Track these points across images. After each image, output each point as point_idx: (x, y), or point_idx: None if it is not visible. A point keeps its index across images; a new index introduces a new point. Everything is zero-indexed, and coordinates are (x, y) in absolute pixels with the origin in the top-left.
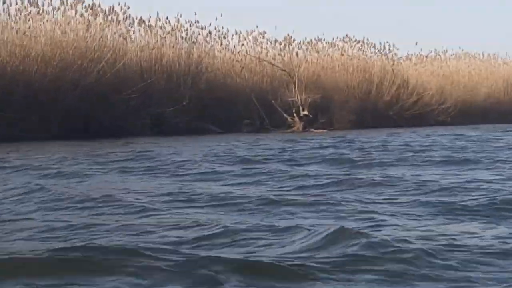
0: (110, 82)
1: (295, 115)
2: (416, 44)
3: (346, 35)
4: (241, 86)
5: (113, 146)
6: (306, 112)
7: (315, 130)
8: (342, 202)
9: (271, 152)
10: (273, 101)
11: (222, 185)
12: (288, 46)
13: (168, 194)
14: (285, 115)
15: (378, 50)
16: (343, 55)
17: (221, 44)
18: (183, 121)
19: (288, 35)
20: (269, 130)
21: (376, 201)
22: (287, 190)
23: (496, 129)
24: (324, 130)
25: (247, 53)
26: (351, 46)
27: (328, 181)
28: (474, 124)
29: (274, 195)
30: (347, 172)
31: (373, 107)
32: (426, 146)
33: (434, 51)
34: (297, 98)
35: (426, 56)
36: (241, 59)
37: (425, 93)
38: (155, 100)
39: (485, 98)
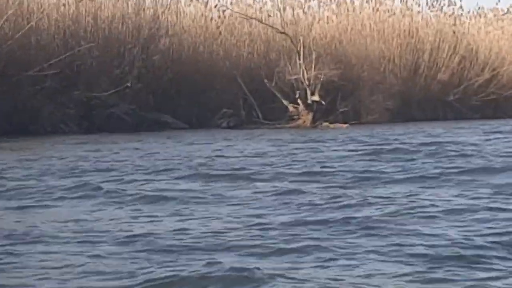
0: (12, 51)
1: (299, 101)
2: None
3: None
4: (218, 58)
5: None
6: (316, 97)
7: (331, 125)
8: None
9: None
10: (266, 80)
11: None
12: None
13: None
14: (285, 102)
15: (431, 3)
16: (377, 10)
17: None
18: (128, 111)
19: None
20: (261, 125)
21: None
22: None
23: None
24: (345, 125)
25: (228, 7)
26: None
27: None
28: None
29: None
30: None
31: (424, 90)
32: None
33: None
34: (303, 75)
35: (505, 13)
36: (220, 17)
37: (503, 68)
38: (83, 80)
39: None
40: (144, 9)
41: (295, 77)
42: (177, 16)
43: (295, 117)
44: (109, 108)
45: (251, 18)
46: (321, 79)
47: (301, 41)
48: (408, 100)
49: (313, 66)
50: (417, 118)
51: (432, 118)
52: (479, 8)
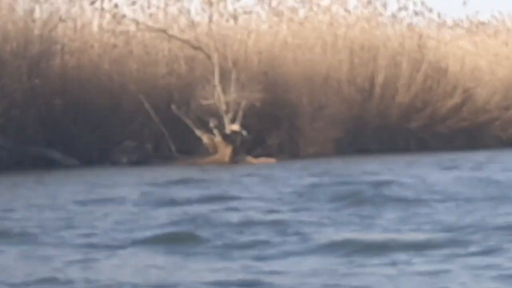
0: None
1: (215, 131)
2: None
3: None
4: (125, 80)
5: None
6: (236, 127)
7: (254, 160)
8: None
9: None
10: (172, 105)
11: None
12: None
13: None
14: (198, 132)
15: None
16: (328, 22)
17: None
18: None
19: None
20: (170, 160)
21: None
22: None
23: None
24: (271, 160)
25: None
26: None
27: None
28: None
29: None
30: None
31: (380, 115)
32: None
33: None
34: (219, 100)
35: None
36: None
37: (477, 89)
38: None
39: None
40: (34, 20)
41: (209, 102)
42: (75, 30)
43: (212, 150)
44: None
45: (158, 31)
46: (243, 105)
47: (216, 58)
48: (360, 127)
49: (231, 88)
50: (372, 149)
51: (390, 149)
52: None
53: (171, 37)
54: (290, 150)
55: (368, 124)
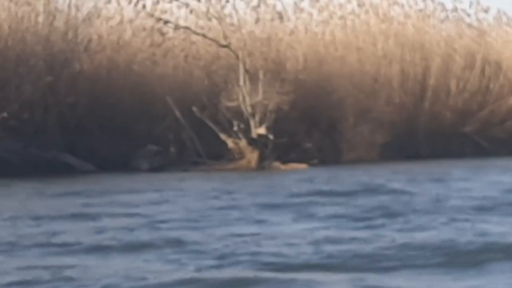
0: None
1: (240, 135)
2: None
3: None
4: (150, 81)
5: None
6: (262, 130)
7: (282, 166)
8: None
9: None
10: (194, 108)
11: None
12: None
13: None
14: (222, 136)
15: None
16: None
17: None
18: (11, 148)
19: None
20: (194, 166)
21: None
22: None
23: None
24: (303, 165)
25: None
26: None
27: None
28: None
29: None
30: None
31: (431, 119)
32: None
33: None
34: (245, 102)
35: None
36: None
37: None
38: None
39: None
40: (55, 16)
41: (233, 104)
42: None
43: (238, 155)
44: None
45: (185, 28)
46: (270, 107)
47: (241, 56)
48: (410, 132)
49: (259, 90)
50: (423, 154)
51: (443, 155)
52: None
53: (196, 34)
54: (330, 155)
55: (419, 128)
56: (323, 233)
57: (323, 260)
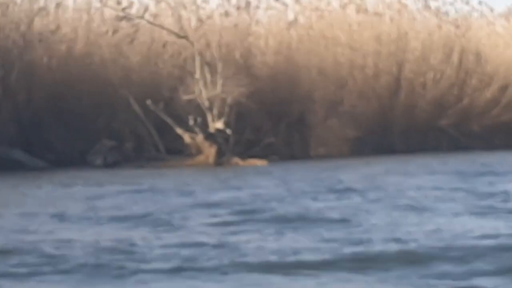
0: None
1: (197, 130)
2: None
3: None
4: (106, 73)
5: None
6: (219, 125)
7: (241, 162)
8: None
9: None
10: (148, 101)
11: None
12: None
13: None
14: (179, 131)
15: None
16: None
17: None
18: None
19: None
20: (151, 161)
21: None
22: None
23: None
24: (263, 162)
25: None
26: None
27: None
28: None
29: None
30: None
31: (406, 112)
32: None
33: None
34: (201, 95)
35: None
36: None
37: None
38: None
39: None
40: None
41: (190, 97)
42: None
43: (195, 151)
44: None
45: (137, 17)
46: (229, 101)
47: (197, 47)
48: (384, 125)
49: (218, 82)
50: (398, 149)
51: (418, 149)
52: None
53: (152, 25)
54: (299, 151)
55: (393, 122)
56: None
57: None
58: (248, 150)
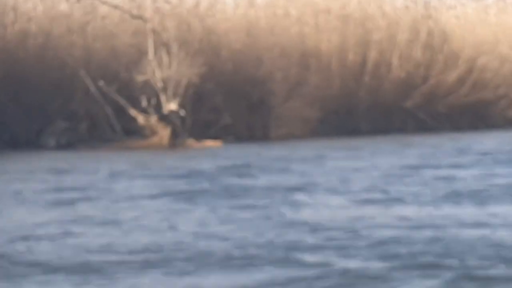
0: None
1: (151, 111)
2: None
3: None
4: (61, 54)
5: None
6: (173, 106)
7: (195, 144)
8: None
9: None
10: (100, 82)
11: None
12: None
13: None
14: (132, 112)
15: None
16: None
17: None
18: None
19: None
20: (104, 142)
21: None
22: None
23: None
24: (217, 143)
25: None
26: None
27: None
28: None
29: None
30: None
31: (371, 93)
32: None
33: None
34: (154, 76)
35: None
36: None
37: (481, 61)
38: None
39: None
40: None
41: (144, 78)
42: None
43: (148, 132)
44: None
45: None
46: (184, 82)
47: (150, 27)
48: (348, 106)
49: (173, 63)
50: (363, 130)
51: (383, 131)
52: None
53: (104, 3)
54: (259, 132)
55: (358, 102)
56: None
57: None
58: (205, 131)
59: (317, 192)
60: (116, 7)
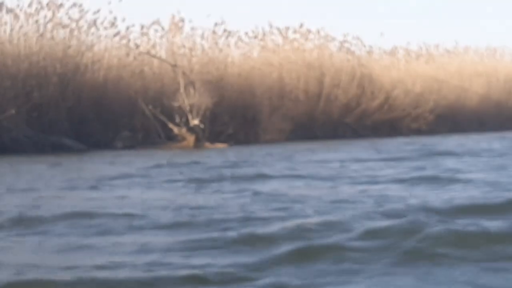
0: None
1: (182, 125)
2: (382, 34)
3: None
4: (127, 88)
5: None
6: (196, 122)
7: (209, 145)
8: None
9: None
10: (150, 107)
11: None
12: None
13: None
14: (170, 125)
15: (341, 43)
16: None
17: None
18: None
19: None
20: (155, 144)
21: None
22: None
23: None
24: (223, 145)
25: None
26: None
27: None
28: (463, 132)
29: None
30: None
31: (324, 113)
32: None
33: (423, 46)
34: (184, 102)
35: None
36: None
37: (394, 92)
38: None
39: (480, 101)
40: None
41: (177, 104)
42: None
43: (181, 138)
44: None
45: (142, 53)
46: (202, 106)
47: (181, 72)
48: (310, 121)
49: (196, 95)
50: (319, 137)
51: (332, 137)
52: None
53: (153, 57)
54: (252, 138)
55: (316, 119)
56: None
57: None
58: (217, 138)
59: (284, 175)
60: (160, 58)
